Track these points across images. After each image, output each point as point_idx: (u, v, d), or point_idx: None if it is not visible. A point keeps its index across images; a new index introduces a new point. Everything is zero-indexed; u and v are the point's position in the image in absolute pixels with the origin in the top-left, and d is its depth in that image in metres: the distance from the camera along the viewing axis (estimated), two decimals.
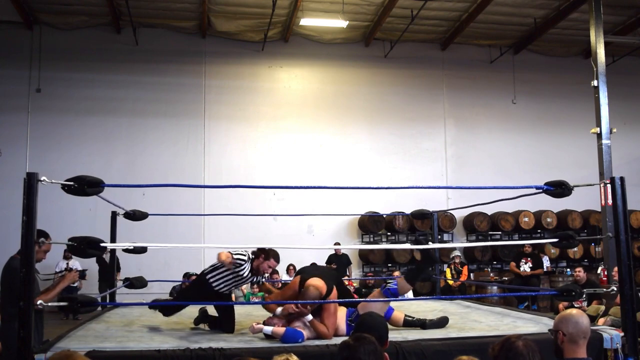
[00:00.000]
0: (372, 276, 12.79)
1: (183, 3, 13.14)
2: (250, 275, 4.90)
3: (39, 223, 3.86)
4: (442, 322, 4.88)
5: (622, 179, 4.59)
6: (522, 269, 11.73)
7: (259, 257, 4.89)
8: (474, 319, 5.45)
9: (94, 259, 11.99)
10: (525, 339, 2.53)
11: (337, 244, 12.74)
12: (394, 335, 4.24)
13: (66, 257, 11.92)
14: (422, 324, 4.81)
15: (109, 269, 7.69)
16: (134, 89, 13.93)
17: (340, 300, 4.88)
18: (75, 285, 11.56)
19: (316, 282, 4.59)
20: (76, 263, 11.86)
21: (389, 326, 4.48)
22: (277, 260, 4.94)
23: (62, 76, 13.59)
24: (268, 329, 4.39)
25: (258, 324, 4.53)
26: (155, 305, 5.22)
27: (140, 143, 13.77)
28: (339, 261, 12.61)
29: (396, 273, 10.55)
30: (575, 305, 8.12)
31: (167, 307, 4.95)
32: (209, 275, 4.96)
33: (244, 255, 4.83)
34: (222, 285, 4.94)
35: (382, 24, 13.83)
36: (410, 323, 4.83)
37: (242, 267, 4.80)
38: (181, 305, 5.04)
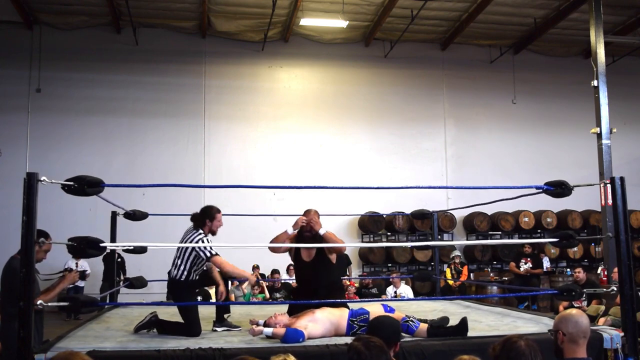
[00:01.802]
0: (367, 275, 12.73)
1: (183, 3, 13.14)
2: (209, 241, 4.97)
3: (39, 223, 3.85)
4: (442, 323, 4.87)
5: (622, 179, 4.59)
6: (522, 269, 11.73)
7: (205, 224, 5.02)
8: (474, 319, 5.44)
9: (101, 259, 12.00)
10: (526, 338, 2.52)
11: None
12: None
13: (75, 257, 11.90)
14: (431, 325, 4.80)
15: (111, 269, 7.68)
16: (134, 89, 13.93)
17: (340, 300, 4.91)
18: (82, 285, 11.58)
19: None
20: (85, 263, 11.87)
21: None
22: (218, 211, 5.09)
23: (62, 76, 13.59)
24: (268, 330, 4.39)
25: (258, 326, 4.52)
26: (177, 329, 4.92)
27: (140, 143, 13.77)
28: (339, 261, 12.58)
29: (394, 274, 10.50)
30: (575, 305, 8.12)
31: (193, 329, 4.85)
32: (184, 276, 4.94)
33: (202, 235, 4.94)
34: (195, 272, 4.99)
35: (382, 24, 13.83)
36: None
37: (204, 243, 4.88)
38: (196, 318, 4.86)
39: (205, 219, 5.03)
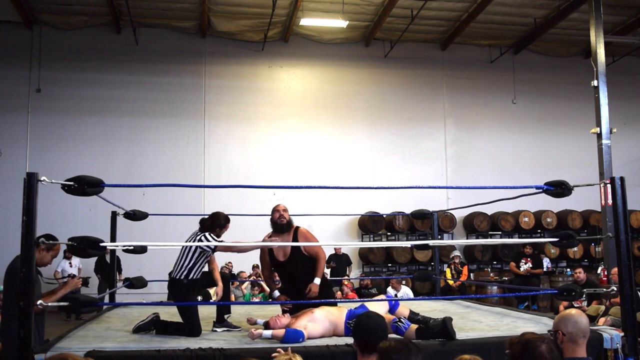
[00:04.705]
0: (364, 276, 12.70)
1: (183, 3, 13.14)
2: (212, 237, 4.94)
3: (39, 223, 3.85)
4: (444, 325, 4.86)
5: (622, 179, 4.60)
6: (522, 269, 11.73)
7: (214, 231, 5.00)
8: (474, 319, 5.45)
9: (94, 260, 12.00)
10: (548, 341, 2.44)
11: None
12: (395, 336, 4.24)
13: (67, 257, 11.93)
14: (426, 323, 4.80)
15: (109, 270, 7.69)
16: (134, 89, 13.93)
17: (343, 300, 4.91)
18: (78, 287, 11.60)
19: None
20: (76, 262, 11.89)
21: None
22: (228, 220, 5.13)
23: (62, 76, 13.59)
24: (267, 333, 4.38)
25: (257, 329, 4.51)
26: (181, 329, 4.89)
27: (140, 143, 13.77)
28: (339, 261, 12.63)
29: (393, 281, 10.45)
30: (575, 305, 8.12)
31: (194, 329, 4.84)
32: (183, 275, 4.91)
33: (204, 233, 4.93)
34: (196, 273, 4.96)
35: (382, 24, 13.83)
36: (415, 320, 4.80)
37: (208, 249, 4.88)
38: (196, 319, 4.85)
39: (215, 227, 5.04)
